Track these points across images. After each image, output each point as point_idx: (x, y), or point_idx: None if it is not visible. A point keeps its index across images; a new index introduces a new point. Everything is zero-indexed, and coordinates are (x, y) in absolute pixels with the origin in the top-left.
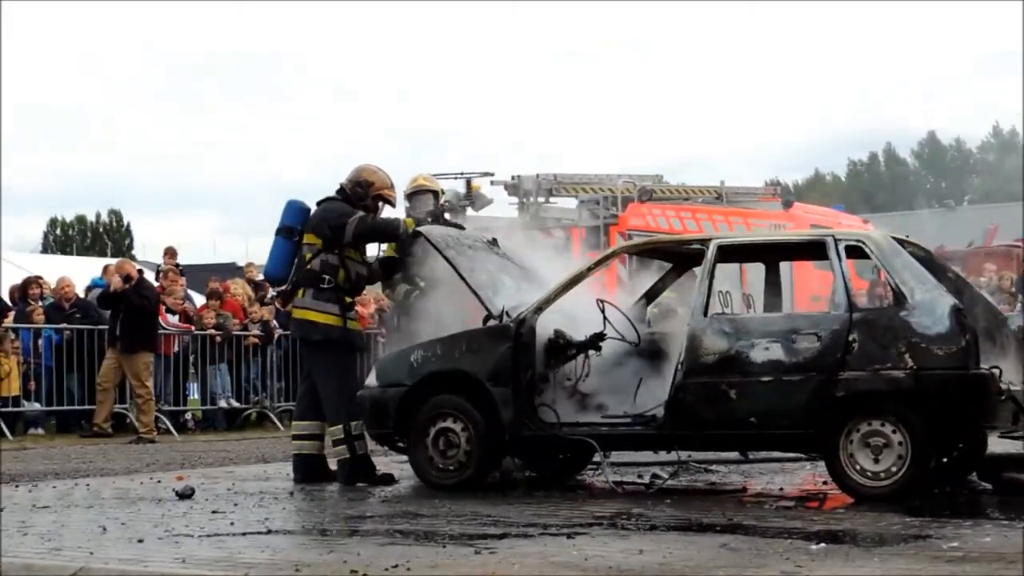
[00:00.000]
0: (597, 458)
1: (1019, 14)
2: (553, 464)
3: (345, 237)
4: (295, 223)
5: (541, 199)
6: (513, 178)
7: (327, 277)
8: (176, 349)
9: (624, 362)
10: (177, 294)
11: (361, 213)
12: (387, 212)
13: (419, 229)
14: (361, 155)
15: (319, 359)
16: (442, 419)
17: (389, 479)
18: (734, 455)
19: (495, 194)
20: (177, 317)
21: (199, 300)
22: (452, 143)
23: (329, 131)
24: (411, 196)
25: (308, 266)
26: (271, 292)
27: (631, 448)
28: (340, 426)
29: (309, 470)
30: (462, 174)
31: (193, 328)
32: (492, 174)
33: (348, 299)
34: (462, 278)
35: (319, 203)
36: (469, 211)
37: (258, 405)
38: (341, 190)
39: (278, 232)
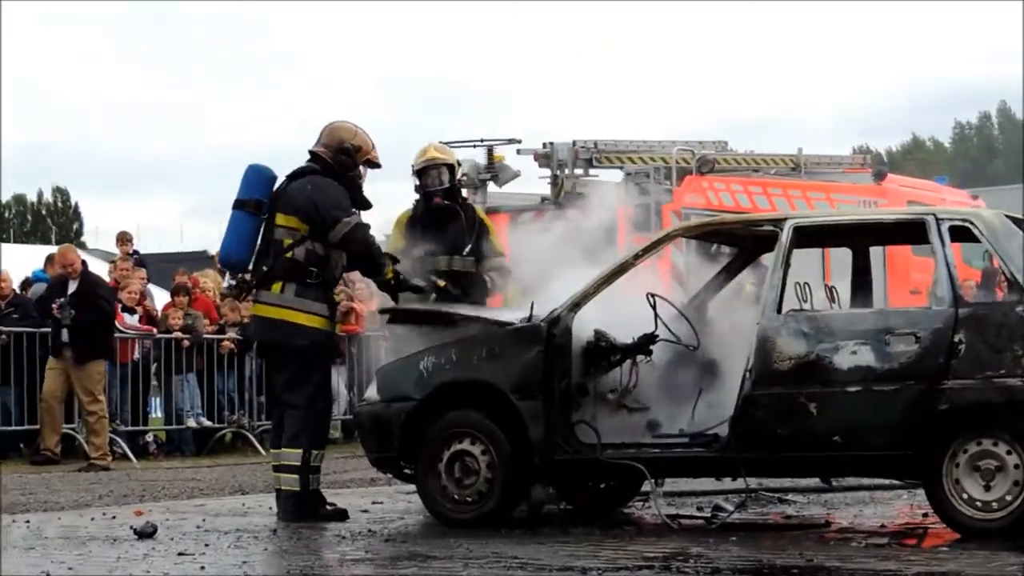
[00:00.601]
0: (647, 487)
1: None
2: (593, 494)
3: (330, 236)
4: (263, 195)
5: (579, 171)
6: (544, 146)
7: (315, 270)
8: (135, 356)
9: (680, 370)
10: (134, 288)
11: (359, 219)
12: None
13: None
14: (357, 120)
15: (297, 369)
16: (458, 440)
17: (341, 515)
18: (814, 482)
19: (522, 165)
20: (136, 317)
21: (162, 297)
22: (469, 102)
23: (317, 90)
24: (421, 172)
25: (288, 255)
26: (226, 281)
27: (689, 475)
28: (300, 452)
29: (298, 507)
30: (482, 141)
31: (155, 331)
32: (519, 141)
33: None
34: (455, 315)
35: (294, 175)
36: (491, 186)
37: (234, 424)
38: (317, 158)
39: (239, 205)
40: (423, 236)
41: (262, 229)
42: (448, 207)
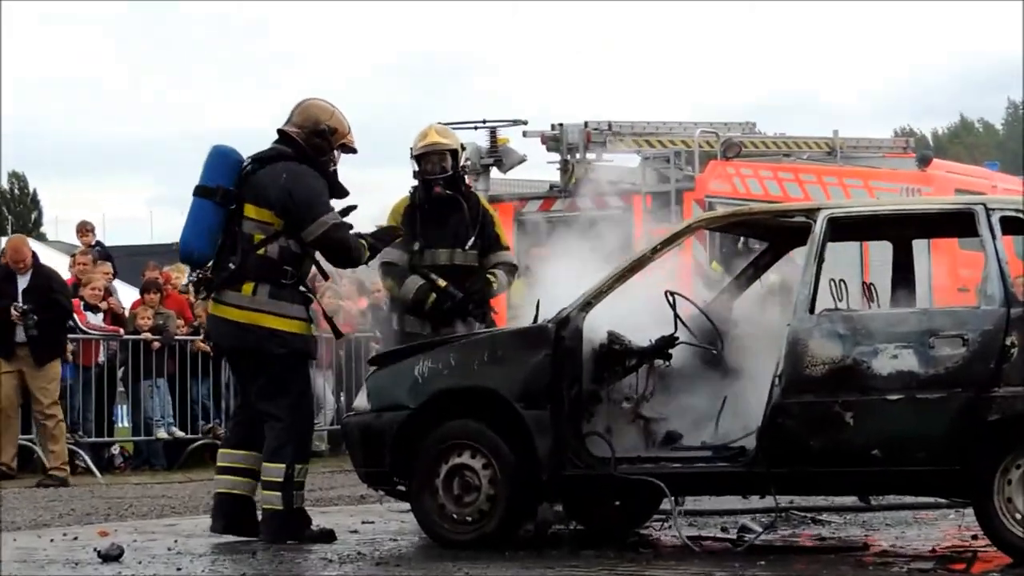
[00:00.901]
0: (666, 505)
1: None
2: (607, 513)
3: (304, 234)
4: (228, 182)
5: (591, 155)
6: (553, 127)
7: (289, 269)
8: (99, 360)
9: (702, 375)
10: (97, 284)
11: (338, 219)
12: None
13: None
14: (347, 99)
15: (276, 377)
16: (457, 453)
17: (327, 536)
18: (851, 500)
19: (529, 149)
20: (100, 316)
21: (130, 294)
22: (470, 79)
23: (302, 65)
24: (421, 157)
25: (260, 252)
26: (186, 277)
27: (712, 492)
28: (283, 466)
29: (234, 517)
30: (484, 123)
31: (122, 332)
32: (525, 122)
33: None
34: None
35: (262, 159)
36: (494, 172)
37: (209, 435)
38: (289, 141)
39: (203, 192)
40: (422, 227)
41: (226, 220)
42: (450, 197)
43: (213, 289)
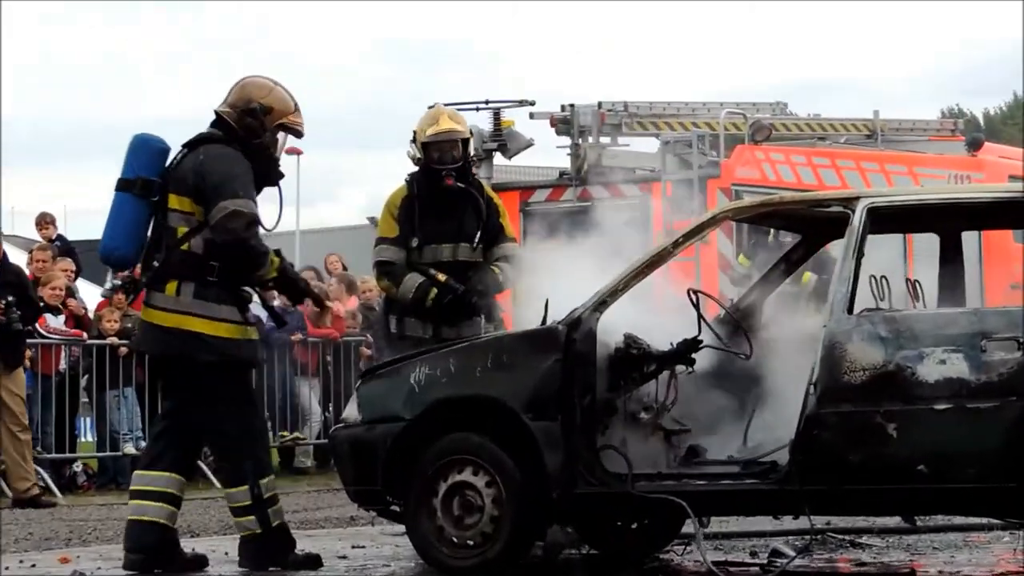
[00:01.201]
0: (689, 527)
1: None
2: (623, 536)
3: (208, 218)
4: (153, 172)
5: (605, 139)
6: (564, 108)
7: (216, 265)
8: (60, 367)
9: (729, 383)
10: (58, 284)
11: (244, 207)
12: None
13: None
14: (328, 79)
15: (208, 388)
16: (457, 469)
17: (313, 562)
18: (894, 521)
19: (536, 132)
20: (61, 319)
21: (95, 294)
22: (470, 55)
23: (285, 41)
24: (430, 145)
25: (184, 247)
26: (108, 282)
27: (740, 512)
28: (245, 488)
29: (150, 547)
30: (487, 103)
31: (86, 336)
32: (532, 103)
33: (247, 292)
34: None
35: (189, 144)
36: (497, 157)
37: None
38: (220, 121)
39: (123, 186)
40: (423, 221)
41: (154, 215)
42: (462, 190)
43: (139, 292)
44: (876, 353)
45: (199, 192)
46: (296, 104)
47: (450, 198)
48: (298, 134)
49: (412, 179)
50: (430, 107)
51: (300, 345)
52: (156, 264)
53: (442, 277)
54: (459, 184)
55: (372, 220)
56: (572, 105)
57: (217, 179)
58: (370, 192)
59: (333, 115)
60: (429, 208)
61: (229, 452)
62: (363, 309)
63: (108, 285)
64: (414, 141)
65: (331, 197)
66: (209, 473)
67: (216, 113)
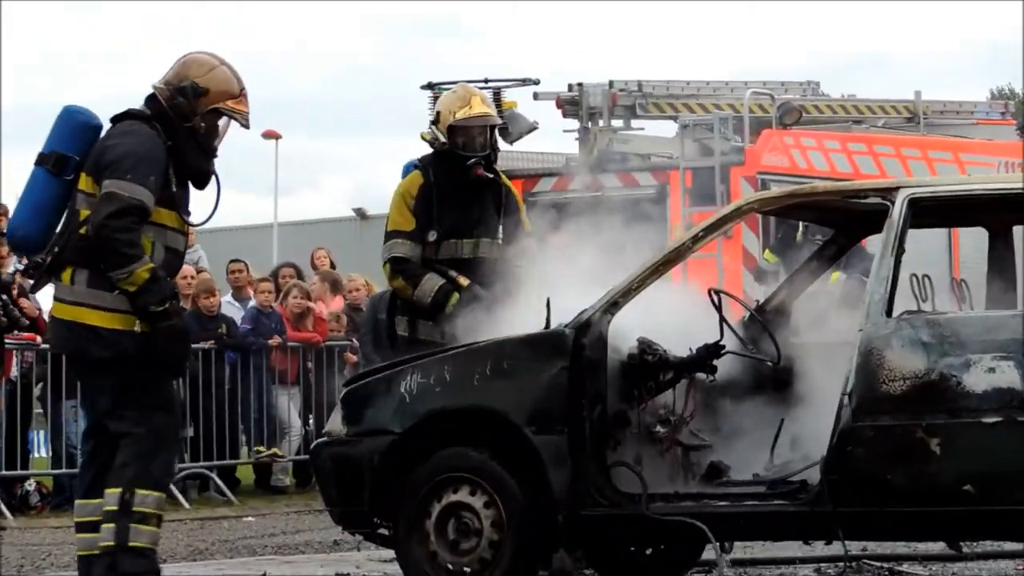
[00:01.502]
0: (710, 553)
1: None
2: (637, 562)
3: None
4: (72, 149)
5: (617, 122)
6: (571, 88)
7: None
8: (11, 375)
9: (754, 393)
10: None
11: (131, 201)
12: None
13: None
14: (312, 55)
15: (107, 388)
16: (453, 489)
17: None
18: (938, 547)
19: (541, 115)
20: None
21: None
22: (469, 29)
23: (264, 14)
24: (456, 129)
25: (82, 230)
26: (12, 266)
27: (766, 537)
28: (117, 491)
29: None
30: (486, 82)
31: (39, 340)
32: (536, 82)
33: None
34: None
35: (115, 119)
36: (499, 142)
37: None
38: (153, 99)
39: (38, 160)
40: (442, 213)
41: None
42: (490, 180)
43: (41, 279)
44: (918, 360)
45: (97, 171)
46: (242, 88)
47: (473, 189)
48: (241, 122)
49: (427, 166)
50: (427, 86)
51: (278, 350)
52: (57, 249)
53: (464, 280)
54: (487, 175)
55: (358, 212)
56: (580, 84)
57: (113, 157)
58: (358, 180)
59: (316, 95)
60: (449, 198)
61: (122, 451)
62: (349, 310)
63: (11, 269)
64: (435, 123)
65: (313, 185)
66: (177, 492)
67: (154, 88)
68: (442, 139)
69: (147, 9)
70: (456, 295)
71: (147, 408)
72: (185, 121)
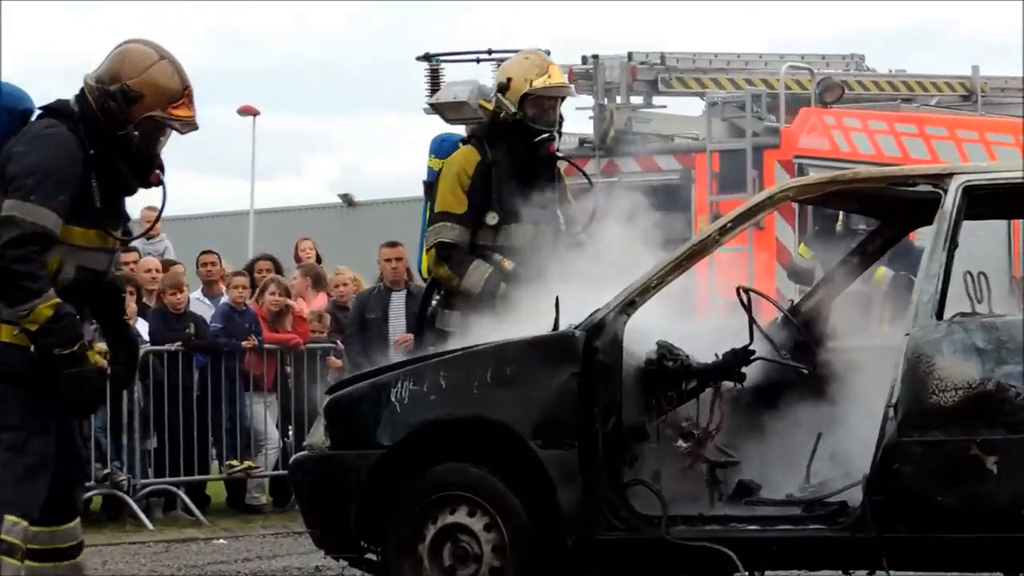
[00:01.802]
0: None
1: None
2: None
3: None
4: None
5: (636, 99)
6: (585, 61)
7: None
8: None
9: (788, 404)
10: None
11: (15, 211)
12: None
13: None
14: (295, 26)
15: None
16: (449, 509)
17: None
18: None
19: None
20: None
21: None
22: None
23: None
24: (529, 99)
25: None
26: None
27: (801, 565)
28: None
29: None
30: (489, 53)
31: None
32: (546, 53)
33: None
34: None
35: (42, 111)
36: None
37: (106, 484)
38: (82, 97)
39: None
40: (500, 194)
41: None
42: (559, 159)
43: None
44: (971, 368)
45: (3, 178)
46: (186, 88)
47: (536, 168)
48: (179, 131)
49: (482, 140)
50: (424, 58)
51: (253, 353)
52: None
53: (508, 264)
54: (559, 153)
55: (345, 198)
56: (596, 57)
57: (17, 170)
58: (345, 163)
59: (299, 70)
60: (510, 178)
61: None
62: (334, 308)
63: None
64: (502, 92)
65: (294, 169)
66: (139, 511)
67: (84, 84)
68: (512, 109)
69: (147, 9)
70: (503, 285)
71: (28, 431)
72: (118, 128)
